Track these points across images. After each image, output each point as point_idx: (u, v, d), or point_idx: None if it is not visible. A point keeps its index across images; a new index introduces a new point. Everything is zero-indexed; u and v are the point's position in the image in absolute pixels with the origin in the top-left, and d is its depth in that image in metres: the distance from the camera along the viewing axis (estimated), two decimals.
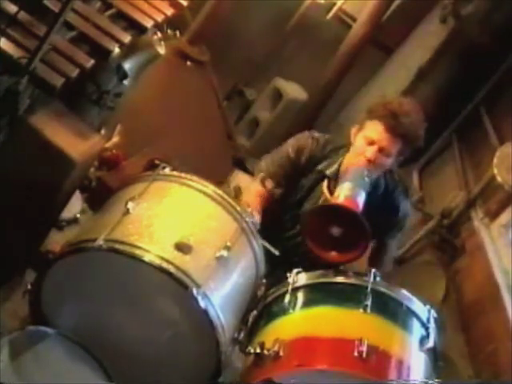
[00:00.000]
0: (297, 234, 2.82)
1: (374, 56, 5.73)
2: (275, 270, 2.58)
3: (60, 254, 2.24)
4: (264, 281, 2.47)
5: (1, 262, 2.41)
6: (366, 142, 2.61)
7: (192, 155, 4.28)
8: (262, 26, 5.60)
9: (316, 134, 2.82)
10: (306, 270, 2.41)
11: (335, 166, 2.75)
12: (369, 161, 2.58)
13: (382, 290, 2.30)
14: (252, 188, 2.83)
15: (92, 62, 2.48)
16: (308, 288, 2.35)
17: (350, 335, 2.13)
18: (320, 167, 2.77)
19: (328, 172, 2.75)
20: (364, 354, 2.06)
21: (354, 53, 5.39)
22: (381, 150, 2.59)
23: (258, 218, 2.59)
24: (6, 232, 2.38)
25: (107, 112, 2.92)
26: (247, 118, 5.76)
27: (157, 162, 2.58)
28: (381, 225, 2.62)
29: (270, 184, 2.79)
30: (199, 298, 2.09)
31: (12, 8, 2.34)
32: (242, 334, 2.31)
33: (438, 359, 2.29)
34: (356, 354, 2.06)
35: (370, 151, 2.59)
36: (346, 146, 2.75)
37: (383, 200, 2.72)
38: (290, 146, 2.79)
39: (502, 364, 3.61)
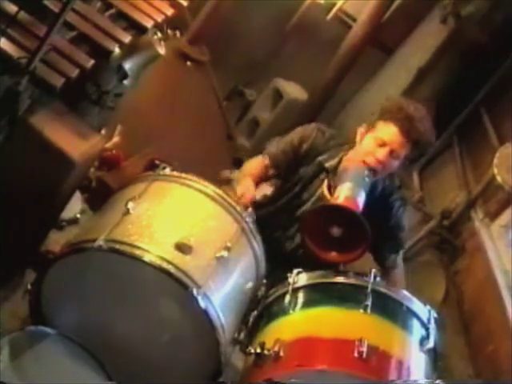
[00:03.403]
0: (295, 233, 2.82)
1: (374, 56, 5.73)
2: (275, 270, 2.58)
3: (60, 254, 2.24)
4: (264, 281, 2.48)
5: (1, 262, 2.41)
6: (377, 143, 2.59)
7: (192, 155, 4.28)
8: (262, 26, 5.60)
9: (323, 127, 2.85)
10: (306, 270, 2.41)
11: (335, 160, 2.75)
12: (379, 162, 2.58)
13: (383, 290, 2.30)
14: (248, 164, 2.92)
15: (92, 62, 2.48)
16: (308, 288, 2.35)
17: (350, 335, 2.13)
18: (320, 159, 2.77)
19: (327, 165, 2.75)
20: (364, 355, 2.05)
21: (354, 53, 5.39)
22: (391, 153, 2.58)
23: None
24: (6, 232, 2.37)
25: (107, 112, 2.92)
26: (247, 118, 5.76)
27: (157, 162, 2.58)
28: (372, 228, 2.51)
29: (266, 160, 2.85)
30: (199, 298, 2.09)
31: (12, 8, 2.33)
32: (242, 334, 2.31)
33: (437, 359, 2.29)
34: (356, 354, 2.06)
35: (382, 153, 2.57)
36: (349, 143, 2.75)
37: (378, 202, 2.68)
38: (295, 134, 2.83)
39: (502, 364, 3.61)
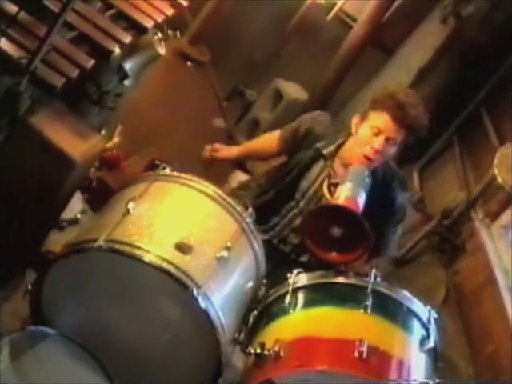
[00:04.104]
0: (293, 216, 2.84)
1: (374, 56, 5.73)
2: (276, 270, 2.58)
3: (60, 254, 2.24)
4: (264, 281, 2.48)
5: (1, 262, 2.41)
6: (372, 131, 2.61)
7: (192, 155, 4.28)
8: (262, 26, 5.61)
9: (323, 114, 2.94)
10: (306, 270, 2.42)
11: (333, 147, 2.77)
12: (376, 151, 2.59)
13: (383, 290, 2.30)
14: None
15: (92, 62, 2.48)
16: (308, 288, 2.35)
17: (350, 336, 2.13)
18: (318, 145, 2.79)
19: (325, 151, 2.77)
20: (364, 355, 2.05)
21: (354, 53, 5.40)
22: (387, 140, 2.60)
23: None
24: (6, 232, 2.37)
25: (108, 112, 2.92)
26: (247, 118, 5.76)
27: (157, 162, 2.58)
28: (377, 216, 2.56)
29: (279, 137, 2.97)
30: (199, 299, 2.09)
31: (12, 8, 2.34)
32: (242, 335, 2.31)
33: (438, 360, 2.29)
34: (356, 354, 2.06)
35: (378, 141, 2.60)
36: (346, 129, 2.76)
37: (380, 190, 2.69)
38: (295, 122, 2.93)
39: (502, 364, 3.61)
